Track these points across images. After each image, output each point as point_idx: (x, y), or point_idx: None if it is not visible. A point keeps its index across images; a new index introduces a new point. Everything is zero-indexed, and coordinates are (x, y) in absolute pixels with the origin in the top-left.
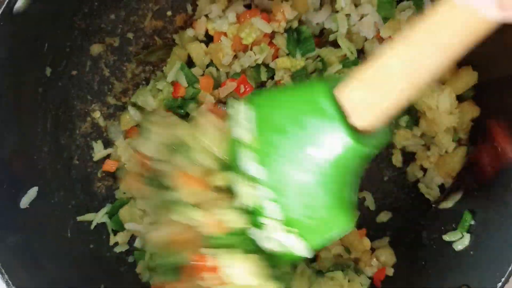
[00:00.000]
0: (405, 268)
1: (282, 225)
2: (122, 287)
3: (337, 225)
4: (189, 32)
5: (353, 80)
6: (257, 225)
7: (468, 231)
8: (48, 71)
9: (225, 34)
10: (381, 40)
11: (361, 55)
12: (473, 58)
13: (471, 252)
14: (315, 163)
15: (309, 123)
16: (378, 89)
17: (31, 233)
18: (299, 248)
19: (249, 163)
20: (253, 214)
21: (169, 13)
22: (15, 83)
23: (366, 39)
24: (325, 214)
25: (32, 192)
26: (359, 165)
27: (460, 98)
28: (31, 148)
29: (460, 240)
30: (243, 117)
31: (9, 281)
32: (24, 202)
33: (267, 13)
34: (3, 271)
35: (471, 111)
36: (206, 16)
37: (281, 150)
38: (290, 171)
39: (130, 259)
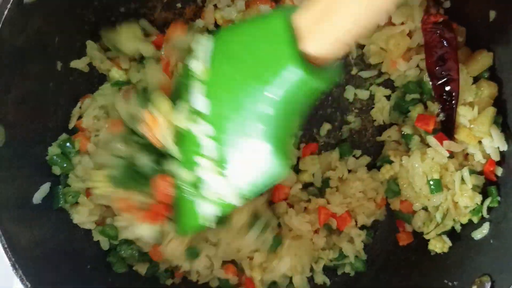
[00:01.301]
0: (424, 258)
1: (215, 165)
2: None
3: (273, 170)
4: (199, 23)
5: (307, 8)
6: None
7: (487, 219)
8: (59, 65)
9: (232, 22)
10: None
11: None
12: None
13: (491, 241)
14: (262, 97)
15: (262, 50)
16: (330, 16)
17: (43, 228)
18: (229, 193)
19: (196, 95)
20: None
21: (178, 5)
22: (26, 77)
23: (378, 26)
24: (262, 157)
25: (45, 188)
26: (306, 100)
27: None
28: (42, 144)
29: (479, 229)
30: (202, 49)
31: (23, 277)
32: (37, 197)
33: (277, 2)
34: (17, 266)
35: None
36: (215, 6)
37: (231, 83)
38: (235, 107)
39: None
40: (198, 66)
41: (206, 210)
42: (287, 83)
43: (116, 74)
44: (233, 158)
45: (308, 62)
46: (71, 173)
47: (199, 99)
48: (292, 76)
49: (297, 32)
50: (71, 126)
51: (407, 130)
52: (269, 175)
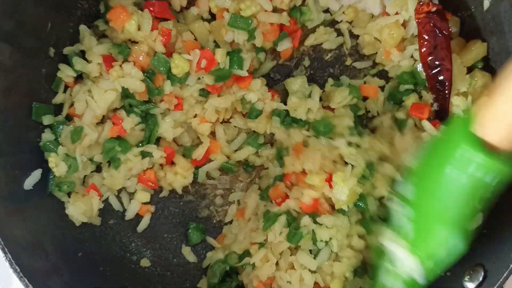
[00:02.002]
0: None
1: (409, 244)
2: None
3: (454, 250)
4: (193, 10)
5: (484, 99)
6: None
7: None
8: (52, 51)
9: (227, 10)
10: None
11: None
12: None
13: (484, 231)
14: (449, 181)
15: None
16: (505, 102)
17: (34, 214)
18: (418, 271)
19: (406, 184)
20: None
21: None
22: (18, 63)
23: (372, 16)
24: (446, 238)
25: (36, 174)
26: (491, 184)
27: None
28: (35, 131)
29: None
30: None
31: (12, 261)
32: (28, 183)
33: None
34: (6, 250)
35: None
36: None
37: (429, 176)
38: (431, 196)
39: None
40: (411, 161)
41: (393, 285)
42: (463, 164)
43: None
44: (424, 239)
45: (488, 149)
46: None
47: (408, 187)
48: (467, 156)
49: (474, 122)
50: (64, 114)
51: (400, 116)
52: (450, 254)
